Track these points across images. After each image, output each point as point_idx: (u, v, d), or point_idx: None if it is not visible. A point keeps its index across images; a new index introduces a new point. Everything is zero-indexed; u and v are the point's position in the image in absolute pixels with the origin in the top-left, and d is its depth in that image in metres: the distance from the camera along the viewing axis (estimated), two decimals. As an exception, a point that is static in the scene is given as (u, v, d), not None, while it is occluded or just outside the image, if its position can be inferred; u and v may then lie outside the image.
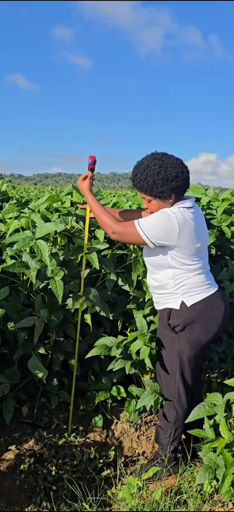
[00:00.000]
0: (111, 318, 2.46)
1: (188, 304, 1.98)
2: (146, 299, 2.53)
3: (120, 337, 2.35)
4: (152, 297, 2.21)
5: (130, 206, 3.31)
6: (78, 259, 2.50)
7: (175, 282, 1.98)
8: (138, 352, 2.25)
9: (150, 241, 1.92)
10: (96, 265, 2.24)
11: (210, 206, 3.27)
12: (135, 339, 2.26)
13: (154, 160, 1.94)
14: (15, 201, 3.00)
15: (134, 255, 2.51)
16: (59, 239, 2.46)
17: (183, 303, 1.98)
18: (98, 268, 2.28)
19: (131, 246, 2.54)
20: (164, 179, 1.91)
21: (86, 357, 2.41)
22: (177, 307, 1.99)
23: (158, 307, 2.13)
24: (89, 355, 2.39)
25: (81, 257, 2.47)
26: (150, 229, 1.92)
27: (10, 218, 2.60)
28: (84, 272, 2.34)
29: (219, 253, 3.08)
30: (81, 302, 2.26)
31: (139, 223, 1.94)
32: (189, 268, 1.97)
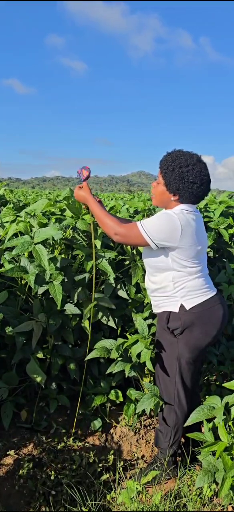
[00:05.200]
0: (113, 323, 2.46)
1: (187, 307, 1.98)
2: (145, 303, 2.53)
3: (120, 340, 2.35)
4: (150, 301, 2.21)
5: (127, 209, 3.31)
6: (76, 265, 2.50)
7: (175, 285, 1.99)
8: (138, 355, 2.25)
9: (153, 242, 1.92)
10: (111, 272, 2.30)
11: (207, 208, 3.28)
12: (136, 342, 2.26)
13: (189, 158, 1.95)
14: (12, 205, 3.00)
15: (132, 257, 2.51)
16: (59, 248, 2.46)
17: (182, 306, 1.98)
18: (114, 276, 2.30)
19: (129, 251, 2.54)
20: (181, 175, 1.92)
21: (86, 359, 2.41)
22: (176, 310, 1.99)
23: (156, 310, 2.12)
24: (89, 357, 2.39)
25: (80, 263, 2.48)
26: (153, 230, 1.91)
27: (6, 222, 2.60)
28: (85, 277, 2.35)
29: (217, 255, 3.09)
30: (90, 307, 2.29)
31: (142, 224, 1.94)
32: (189, 270, 1.98)
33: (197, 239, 1.96)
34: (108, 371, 2.38)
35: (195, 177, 1.92)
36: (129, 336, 2.42)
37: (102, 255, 2.36)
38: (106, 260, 2.36)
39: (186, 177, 1.92)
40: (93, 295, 2.32)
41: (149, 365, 2.16)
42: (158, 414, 2.18)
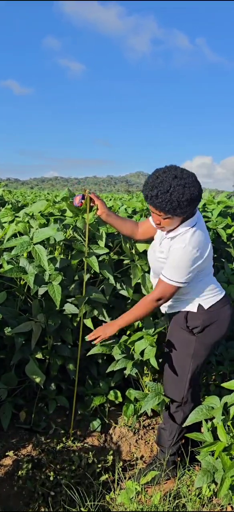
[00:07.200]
0: (107, 319, 2.45)
1: (205, 306, 2.02)
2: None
3: (124, 337, 2.35)
4: None
5: (126, 209, 3.31)
6: (76, 264, 2.50)
7: (190, 287, 2.00)
8: (141, 353, 2.24)
9: (184, 283, 1.93)
10: (96, 268, 2.24)
11: (206, 208, 3.28)
12: (140, 338, 2.26)
13: (175, 179, 1.81)
14: (11, 205, 3.01)
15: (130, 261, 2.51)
16: (58, 248, 2.46)
17: (200, 306, 2.02)
18: (98, 272, 2.28)
19: (128, 251, 2.54)
20: (188, 200, 1.82)
21: (88, 354, 2.40)
22: (195, 310, 2.02)
23: (170, 310, 2.13)
24: (90, 352, 2.37)
25: (80, 262, 2.47)
26: (179, 276, 1.90)
27: (5, 223, 2.60)
28: (85, 277, 2.34)
29: (215, 255, 3.09)
30: (81, 302, 2.27)
31: (167, 278, 1.92)
32: (204, 273, 2.01)
33: (208, 244, 1.97)
34: (109, 369, 2.38)
35: (190, 193, 1.82)
36: (132, 333, 2.41)
37: (95, 252, 2.34)
38: (99, 258, 2.35)
39: (184, 201, 1.82)
40: (84, 290, 2.32)
41: (154, 362, 2.16)
42: (163, 412, 2.18)
